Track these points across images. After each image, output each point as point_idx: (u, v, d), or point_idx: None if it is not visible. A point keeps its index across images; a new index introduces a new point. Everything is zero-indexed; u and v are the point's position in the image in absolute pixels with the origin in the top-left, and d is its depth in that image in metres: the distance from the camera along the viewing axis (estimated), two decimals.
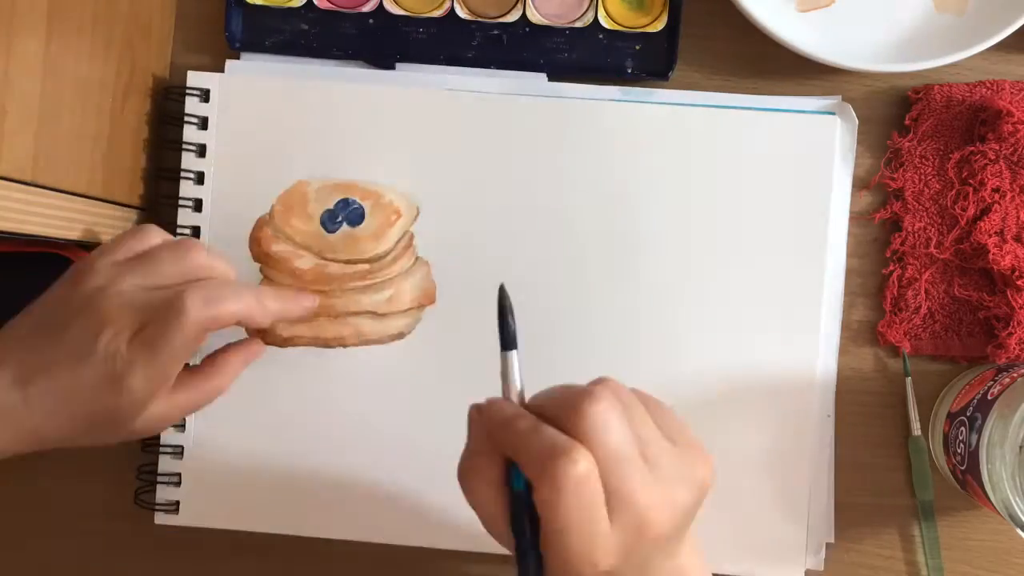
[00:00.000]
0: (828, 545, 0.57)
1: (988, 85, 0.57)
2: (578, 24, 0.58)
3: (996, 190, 0.56)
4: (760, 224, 0.57)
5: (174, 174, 0.57)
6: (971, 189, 0.56)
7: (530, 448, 0.40)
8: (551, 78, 0.58)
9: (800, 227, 0.56)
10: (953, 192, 0.57)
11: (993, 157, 0.56)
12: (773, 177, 0.56)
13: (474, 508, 0.42)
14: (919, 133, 0.57)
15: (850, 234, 0.58)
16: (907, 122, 0.57)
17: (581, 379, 0.55)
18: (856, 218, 0.58)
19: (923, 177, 0.57)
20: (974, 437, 0.51)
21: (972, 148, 0.56)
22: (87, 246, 0.57)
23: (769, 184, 0.57)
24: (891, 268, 0.57)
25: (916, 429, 0.57)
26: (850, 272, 0.58)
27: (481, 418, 0.43)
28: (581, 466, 0.39)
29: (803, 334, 0.57)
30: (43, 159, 0.47)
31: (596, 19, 0.57)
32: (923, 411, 0.57)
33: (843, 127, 0.57)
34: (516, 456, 0.41)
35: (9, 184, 0.45)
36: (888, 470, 0.58)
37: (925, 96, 0.57)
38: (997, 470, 0.49)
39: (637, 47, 0.58)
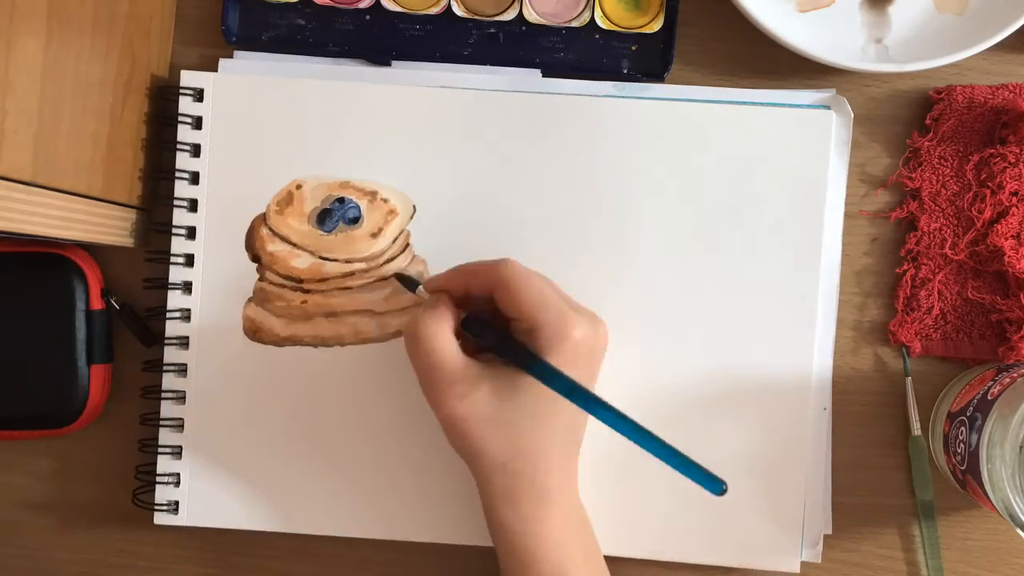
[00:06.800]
0: (826, 538, 0.58)
1: (1011, 88, 0.58)
2: (574, 24, 0.59)
3: (1015, 193, 0.57)
4: (755, 219, 0.58)
5: (172, 174, 0.58)
6: (989, 192, 0.57)
7: (483, 263, 0.52)
8: (545, 75, 0.59)
9: (795, 221, 0.58)
10: (971, 194, 0.58)
11: (1013, 160, 0.57)
12: (768, 171, 0.58)
13: (426, 352, 0.51)
14: (939, 134, 0.58)
15: (863, 232, 0.59)
16: (927, 122, 0.59)
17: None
18: (871, 216, 0.59)
19: (941, 178, 0.58)
20: (974, 437, 0.52)
21: (992, 151, 0.58)
22: (87, 246, 0.59)
23: (764, 178, 0.58)
24: (905, 268, 0.59)
25: (916, 429, 0.58)
26: (863, 271, 0.59)
27: (435, 285, 0.54)
28: (518, 263, 0.52)
29: (799, 327, 0.58)
30: (43, 159, 0.48)
31: (592, 19, 0.58)
32: (923, 411, 0.59)
33: (838, 121, 0.58)
34: (474, 273, 0.52)
35: (9, 184, 0.46)
36: (888, 470, 0.59)
37: (947, 97, 0.58)
38: (997, 470, 0.50)
39: (633, 47, 0.59)
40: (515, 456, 0.51)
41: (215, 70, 0.59)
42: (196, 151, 0.59)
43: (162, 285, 0.58)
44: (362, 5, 0.59)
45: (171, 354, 0.59)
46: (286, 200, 0.58)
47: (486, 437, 0.51)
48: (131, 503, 0.59)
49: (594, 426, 0.58)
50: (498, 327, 0.52)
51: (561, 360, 0.50)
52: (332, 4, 0.59)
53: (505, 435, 0.51)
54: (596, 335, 0.52)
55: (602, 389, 0.57)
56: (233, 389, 0.58)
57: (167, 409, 0.58)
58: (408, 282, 0.56)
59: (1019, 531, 0.50)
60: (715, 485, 0.46)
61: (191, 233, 0.59)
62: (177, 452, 0.59)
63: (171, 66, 0.60)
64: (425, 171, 0.58)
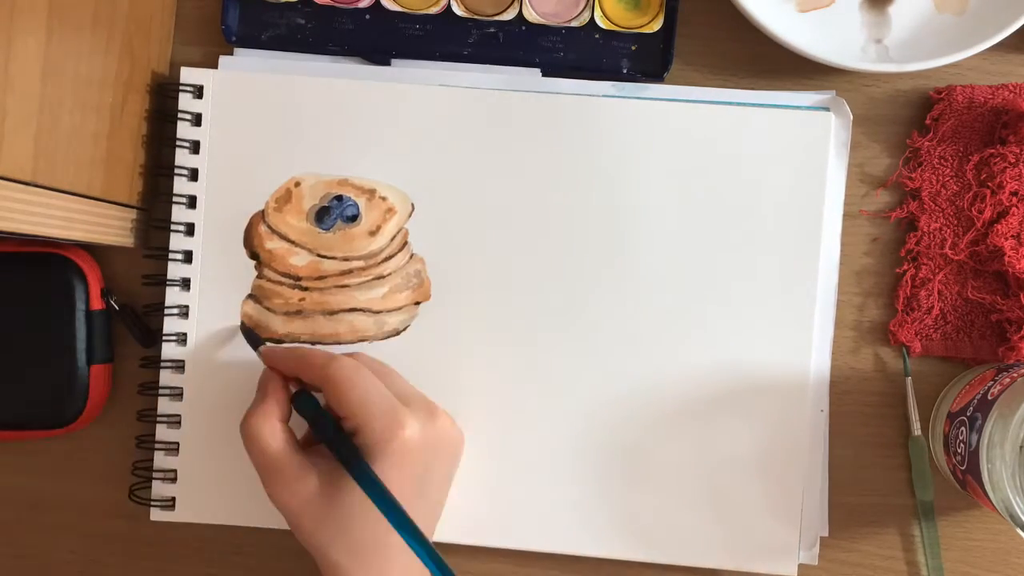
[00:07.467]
0: (826, 539, 0.58)
1: (1011, 88, 0.58)
2: (574, 23, 0.59)
3: (1015, 193, 0.57)
4: (754, 219, 0.58)
5: (171, 171, 0.59)
6: (989, 192, 0.57)
7: (315, 357, 0.52)
8: (545, 74, 0.59)
9: (794, 222, 0.58)
10: (971, 194, 0.58)
11: (1013, 160, 0.57)
12: (767, 173, 0.58)
13: (256, 450, 0.51)
14: (939, 134, 0.58)
15: (863, 232, 0.59)
16: (927, 122, 0.59)
17: (575, 376, 0.58)
18: (871, 216, 0.59)
19: (941, 178, 0.58)
20: (974, 437, 0.52)
21: (992, 151, 0.58)
22: (87, 246, 0.59)
23: (763, 179, 0.58)
24: (905, 268, 0.59)
25: (916, 429, 0.58)
26: (863, 271, 0.59)
27: (271, 360, 0.54)
28: (348, 362, 0.51)
29: (796, 329, 0.58)
30: (43, 159, 0.48)
31: (592, 19, 0.59)
32: (923, 411, 0.59)
33: (837, 123, 0.58)
34: (305, 366, 0.52)
35: (9, 184, 0.46)
36: (888, 470, 0.59)
37: (947, 97, 0.58)
38: (997, 470, 0.50)
39: (633, 47, 0.59)
40: (350, 557, 0.50)
41: (215, 68, 0.60)
42: (195, 148, 0.59)
43: (161, 282, 0.59)
44: (362, 5, 0.60)
45: (169, 350, 0.59)
46: (285, 197, 0.59)
47: (319, 536, 0.50)
48: (128, 500, 0.59)
49: (596, 429, 0.58)
50: (328, 418, 0.52)
51: (388, 462, 0.49)
52: (332, 4, 0.60)
53: (337, 535, 0.50)
54: (432, 430, 0.51)
55: (603, 387, 0.57)
56: (230, 386, 0.58)
57: (164, 405, 0.59)
58: (252, 339, 0.56)
59: (1019, 531, 0.50)
60: None
61: (190, 230, 0.59)
62: (174, 448, 0.59)
63: (171, 65, 0.61)
64: (424, 169, 0.59)
